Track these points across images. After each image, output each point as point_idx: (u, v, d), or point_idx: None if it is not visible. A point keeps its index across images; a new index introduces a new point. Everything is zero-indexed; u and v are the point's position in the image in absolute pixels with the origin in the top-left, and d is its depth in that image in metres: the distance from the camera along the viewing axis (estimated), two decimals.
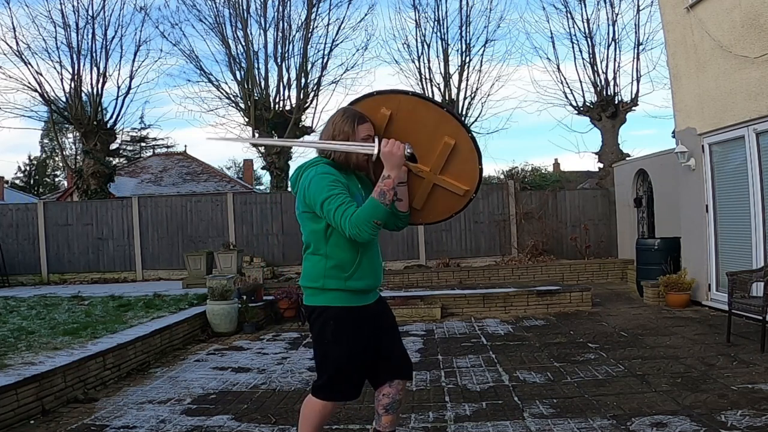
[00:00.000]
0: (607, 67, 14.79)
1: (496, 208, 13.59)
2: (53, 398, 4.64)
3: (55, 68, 15.70)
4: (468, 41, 16.24)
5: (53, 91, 15.66)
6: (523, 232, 13.46)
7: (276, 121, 15.84)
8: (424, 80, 16.38)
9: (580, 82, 15.13)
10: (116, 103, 15.97)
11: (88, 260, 13.55)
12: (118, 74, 18.71)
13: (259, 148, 15.97)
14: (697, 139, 8.12)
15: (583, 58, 15.03)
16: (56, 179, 42.39)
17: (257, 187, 34.45)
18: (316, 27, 16.14)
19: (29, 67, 15.09)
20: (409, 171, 2.77)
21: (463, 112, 16.18)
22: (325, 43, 16.17)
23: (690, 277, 8.28)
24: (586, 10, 14.87)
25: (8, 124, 55.84)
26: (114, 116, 15.89)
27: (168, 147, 32.64)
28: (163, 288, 10.58)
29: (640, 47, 14.62)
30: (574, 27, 15.06)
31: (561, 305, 8.66)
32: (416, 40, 16.58)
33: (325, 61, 16.30)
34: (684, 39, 8.23)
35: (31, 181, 41.68)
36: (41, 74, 15.27)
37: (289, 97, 16.14)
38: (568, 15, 15.03)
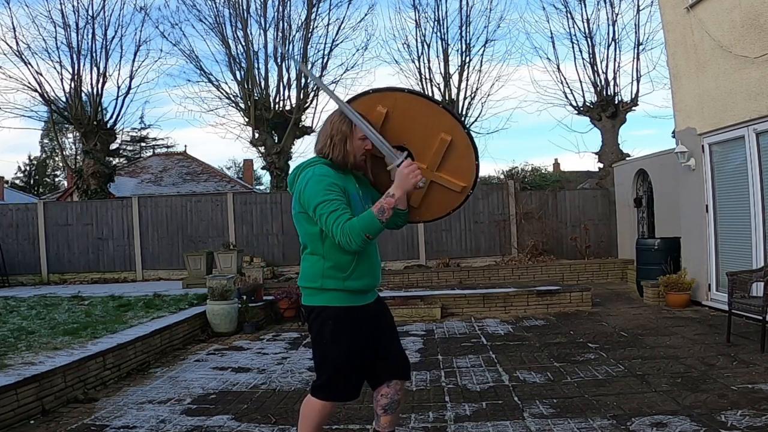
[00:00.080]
0: (607, 67, 14.80)
1: (496, 208, 13.58)
2: (53, 398, 4.64)
3: (55, 68, 15.74)
4: (468, 41, 16.25)
5: (53, 91, 15.70)
6: (523, 232, 13.46)
7: (276, 121, 15.84)
8: (424, 80, 16.39)
9: (580, 82, 15.15)
10: (116, 103, 16.01)
11: (88, 260, 13.55)
12: (118, 74, 18.76)
13: (259, 148, 15.97)
14: (697, 139, 8.12)
15: (583, 58, 15.04)
16: (56, 179, 42.44)
17: (257, 187, 34.46)
18: (316, 27, 16.14)
19: (29, 67, 15.11)
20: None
21: (463, 112, 16.17)
22: (325, 43, 16.18)
23: (690, 277, 8.28)
24: (586, 10, 14.88)
25: (8, 124, 55.93)
26: (114, 116, 15.91)
27: (168, 147, 32.68)
28: (163, 288, 10.58)
29: (640, 47, 14.64)
30: (574, 27, 15.08)
31: (561, 305, 8.66)
32: (416, 40, 16.60)
33: (325, 61, 16.31)
34: (684, 39, 8.23)
35: (31, 181, 41.68)
36: (41, 74, 15.29)
37: (289, 97, 16.16)
38: (568, 15, 15.05)
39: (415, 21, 16.38)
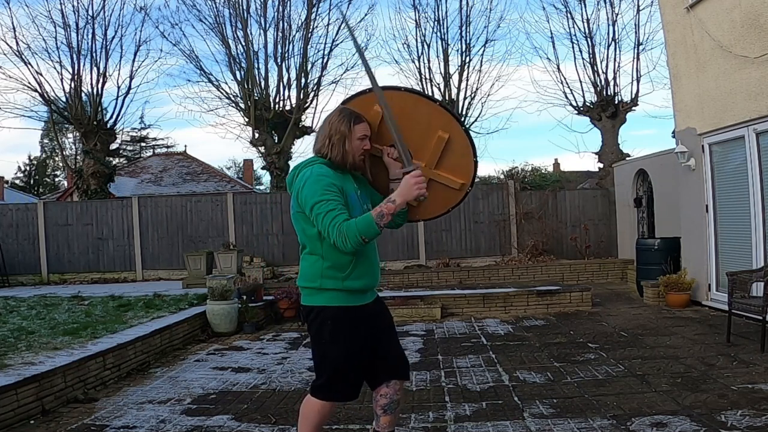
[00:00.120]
0: (607, 67, 14.80)
1: (496, 208, 13.57)
2: (53, 398, 4.64)
3: (55, 68, 15.75)
4: (468, 41, 16.25)
5: (53, 91, 15.70)
6: (523, 232, 13.45)
7: (276, 121, 15.84)
8: (424, 80, 16.38)
9: (580, 82, 15.15)
10: (116, 103, 16.01)
11: (88, 260, 13.55)
12: (118, 74, 18.77)
13: (259, 148, 15.97)
14: (697, 139, 8.12)
15: (583, 58, 15.04)
16: (56, 179, 42.43)
17: (257, 187, 34.46)
18: (316, 27, 16.15)
19: (29, 67, 15.12)
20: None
21: (463, 112, 16.17)
22: (325, 43, 16.17)
23: (690, 277, 8.28)
24: (586, 10, 14.88)
25: (8, 124, 55.95)
26: (114, 116, 15.91)
27: (168, 147, 32.68)
28: (163, 288, 10.58)
29: (640, 47, 14.64)
30: (574, 27, 15.08)
31: (561, 305, 8.66)
32: (416, 40, 16.60)
33: (325, 61, 16.31)
34: (684, 39, 8.23)
35: (31, 181, 41.68)
36: (41, 74, 15.29)
37: (289, 97, 16.16)
38: (568, 15, 15.05)
39: (415, 21, 16.40)
